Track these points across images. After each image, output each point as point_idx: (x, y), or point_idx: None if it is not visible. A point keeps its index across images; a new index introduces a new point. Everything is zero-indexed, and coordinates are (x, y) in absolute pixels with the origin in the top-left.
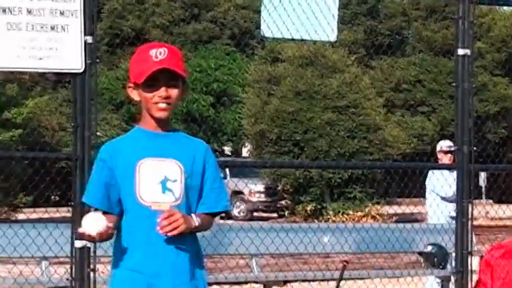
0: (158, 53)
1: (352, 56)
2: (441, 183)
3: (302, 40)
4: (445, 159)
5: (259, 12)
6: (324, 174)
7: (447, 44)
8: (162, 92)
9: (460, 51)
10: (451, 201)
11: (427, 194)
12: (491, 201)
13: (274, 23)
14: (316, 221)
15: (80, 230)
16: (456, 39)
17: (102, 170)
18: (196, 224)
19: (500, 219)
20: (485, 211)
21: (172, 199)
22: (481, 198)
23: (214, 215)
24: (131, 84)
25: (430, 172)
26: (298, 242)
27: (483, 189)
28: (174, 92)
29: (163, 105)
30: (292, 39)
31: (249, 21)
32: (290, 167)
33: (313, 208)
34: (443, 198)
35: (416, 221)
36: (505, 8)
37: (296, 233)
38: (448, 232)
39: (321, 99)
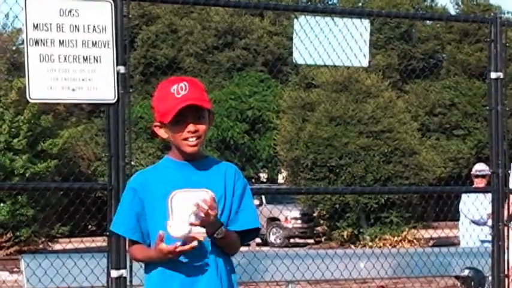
0: (179, 89)
1: (386, 81)
2: (476, 206)
3: (334, 66)
4: (478, 182)
5: (291, 38)
6: (360, 199)
7: (481, 67)
8: (190, 127)
9: (493, 75)
10: (483, 225)
11: (461, 218)
12: None
13: (306, 50)
14: (353, 246)
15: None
16: (489, 63)
17: (133, 199)
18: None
19: None
20: None
21: (203, 230)
22: None
23: (243, 237)
24: (157, 123)
25: (464, 196)
26: (334, 268)
27: None
28: (202, 126)
29: (193, 141)
30: (325, 65)
31: (282, 48)
32: (325, 193)
33: (349, 233)
34: (473, 222)
35: (453, 244)
36: None
37: (332, 259)
38: (484, 255)
39: (355, 124)
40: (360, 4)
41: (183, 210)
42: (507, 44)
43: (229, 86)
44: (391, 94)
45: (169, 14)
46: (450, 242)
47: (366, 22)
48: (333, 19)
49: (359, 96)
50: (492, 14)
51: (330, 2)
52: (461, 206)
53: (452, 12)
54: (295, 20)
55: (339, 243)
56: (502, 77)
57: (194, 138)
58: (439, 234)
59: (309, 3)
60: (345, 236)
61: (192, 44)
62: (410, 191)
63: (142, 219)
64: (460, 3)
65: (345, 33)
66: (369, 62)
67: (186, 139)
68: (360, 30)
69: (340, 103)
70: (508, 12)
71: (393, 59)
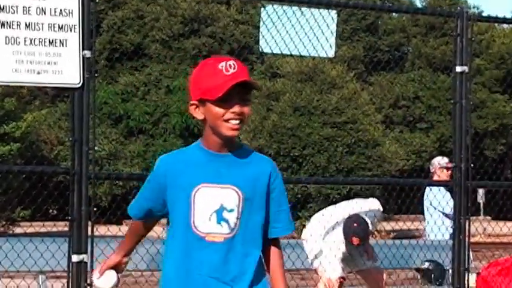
0: (228, 66)
1: (351, 72)
2: (439, 198)
3: (300, 56)
4: (442, 175)
5: (258, 27)
6: (322, 189)
7: (446, 61)
8: (236, 108)
9: (458, 69)
10: (446, 218)
11: (425, 211)
12: (489, 217)
13: (273, 39)
14: None
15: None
16: (454, 57)
17: (151, 183)
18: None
19: (498, 236)
20: (482, 228)
21: (227, 231)
22: (479, 215)
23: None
24: (195, 102)
25: (427, 189)
26: (295, 257)
27: (481, 206)
28: (247, 109)
29: (235, 123)
30: (291, 55)
31: (248, 37)
32: (287, 183)
33: None
34: (444, 214)
35: (414, 237)
36: (504, 25)
37: (293, 248)
38: (445, 249)
39: (319, 115)
40: None
41: (206, 207)
42: (473, 39)
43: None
44: (355, 86)
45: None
46: (411, 235)
47: (333, 13)
48: (300, 9)
49: (324, 87)
50: (459, 8)
51: None
52: (430, 198)
53: (419, 5)
54: (262, 9)
55: (301, 233)
56: (467, 71)
57: (237, 121)
58: (400, 226)
59: None
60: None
61: (158, 31)
62: (373, 183)
63: (157, 203)
64: None
65: (311, 24)
66: (335, 53)
67: (228, 120)
68: (326, 20)
69: (304, 93)
70: (474, 7)
71: (358, 50)
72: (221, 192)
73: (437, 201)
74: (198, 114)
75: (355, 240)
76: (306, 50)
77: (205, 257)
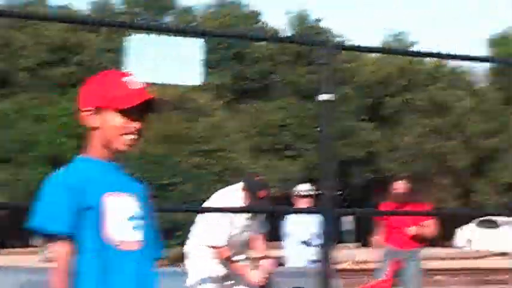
0: (132, 80)
1: (219, 100)
2: (301, 226)
3: (165, 84)
4: (298, 203)
5: (125, 55)
6: (192, 217)
7: (313, 89)
8: (137, 123)
9: (324, 96)
10: (309, 245)
11: (288, 239)
12: (358, 244)
13: (140, 67)
14: (181, 265)
15: None
16: (320, 85)
17: (69, 195)
18: None
19: (365, 262)
20: (351, 254)
21: (141, 238)
22: (347, 242)
23: None
24: (91, 108)
25: (293, 216)
26: (166, 286)
27: (348, 234)
28: (142, 128)
29: (132, 139)
30: (154, 84)
31: (116, 65)
32: (158, 211)
33: (181, 252)
34: (303, 242)
35: (280, 264)
36: (373, 54)
37: (163, 277)
38: (311, 276)
39: (188, 143)
40: (195, 24)
41: (117, 214)
42: (339, 67)
43: (62, 102)
44: (224, 113)
45: (2, 27)
46: (277, 262)
47: (200, 41)
48: (167, 37)
49: (192, 115)
50: (324, 37)
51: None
52: (289, 227)
53: (286, 34)
54: (128, 37)
55: (170, 261)
56: (332, 99)
57: (134, 137)
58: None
59: (145, 21)
60: (177, 254)
61: (26, 59)
62: (238, 210)
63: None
64: (293, 25)
65: (177, 51)
66: (202, 81)
67: (125, 134)
68: (192, 48)
69: (173, 121)
70: (339, 36)
71: (227, 78)
72: (126, 200)
73: (296, 229)
74: (94, 121)
75: (263, 193)
76: (171, 78)
77: (115, 266)
